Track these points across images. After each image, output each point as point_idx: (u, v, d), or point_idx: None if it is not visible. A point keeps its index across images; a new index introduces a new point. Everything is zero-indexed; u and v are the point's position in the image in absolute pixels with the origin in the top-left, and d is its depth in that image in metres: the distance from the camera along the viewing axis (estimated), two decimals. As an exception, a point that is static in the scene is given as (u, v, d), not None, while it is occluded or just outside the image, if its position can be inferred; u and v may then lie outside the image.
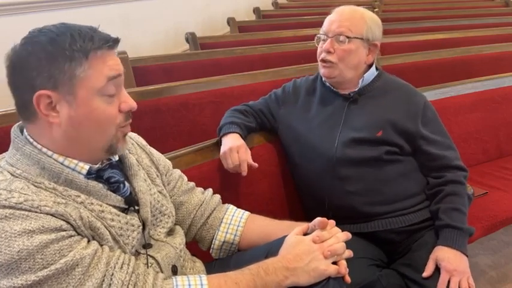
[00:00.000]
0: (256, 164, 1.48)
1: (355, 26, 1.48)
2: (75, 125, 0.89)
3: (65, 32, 0.86)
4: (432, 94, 2.09)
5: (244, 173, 1.47)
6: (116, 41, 0.91)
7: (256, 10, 5.15)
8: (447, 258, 1.31)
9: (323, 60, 1.51)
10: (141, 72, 2.56)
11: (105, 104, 0.90)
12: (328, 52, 1.48)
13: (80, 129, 0.90)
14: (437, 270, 1.33)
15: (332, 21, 1.50)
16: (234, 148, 1.46)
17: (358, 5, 1.60)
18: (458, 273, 1.30)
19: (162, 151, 1.25)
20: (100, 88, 0.88)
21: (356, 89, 1.53)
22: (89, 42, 0.86)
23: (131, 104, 0.94)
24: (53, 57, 0.84)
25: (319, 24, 1.56)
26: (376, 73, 1.57)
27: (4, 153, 0.96)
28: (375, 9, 4.56)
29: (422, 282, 1.32)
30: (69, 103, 0.87)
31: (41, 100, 0.85)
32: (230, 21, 4.28)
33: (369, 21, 1.50)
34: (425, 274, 1.31)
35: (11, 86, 0.89)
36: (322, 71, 1.53)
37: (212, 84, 2.18)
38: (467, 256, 1.35)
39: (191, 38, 3.38)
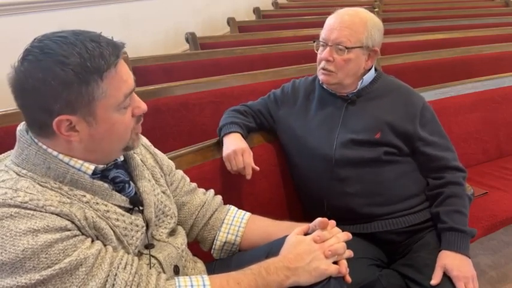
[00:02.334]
0: (258, 168, 1.49)
1: (355, 33, 1.44)
2: (96, 140, 0.90)
3: (72, 51, 0.82)
4: (432, 94, 2.09)
5: (249, 176, 1.47)
6: (123, 47, 0.89)
7: (256, 10, 5.15)
8: (456, 266, 1.31)
9: (322, 68, 1.50)
10: (141, 72, 2.55)
11: (122, 115, 0.91)
12: (328, 61, 1.47)
13: (101, 143, 0.91)
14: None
15: (332, 28, 1.46)
16: (239, 151, 1.46)
17: (359, 5, 1.59)
18: (466, 278, 1.30)
19: (162, 151, 1.25)
20: (118, 105, 0.89)
21: (354, 91, 1.53)
22: (101, 61, 0.84)
23: (143, 108, 0.95)
24: (68, 83, 0.82)
25: (319, 24, 1.55)
26: (374, 74, 1.57)
27: (9, 152, 0.96)
28: (375, 9, 4.56)
29: (423, 283, 1.32)
30: (89, 123, 0.87)
31: (61, 124, 0.85)
32: (230, 21, 4.28)
33: (370, 27, 1.46)
34: (433, 282, 1.30)
35: (22, 109, 0.88)
36: (321, 77, 1.52)
37: (212, 84, 2.18)
38: (470, 258, 1.36)
39: (191, 38, 3.39)
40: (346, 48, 1.44)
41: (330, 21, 1.49)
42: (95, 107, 0.86)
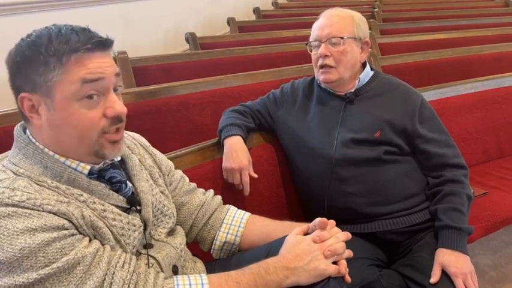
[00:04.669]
0: (256, 175, 1.50)
1: (345, 27, 1.50)
2: (54, 128, 0.89)
3: (46, 34, 0.86)
4: (432, 94, 2.09)
5: (247, 193, 1.50)
6: (105, 43, 0.88)
7: (256, 10, 5.14)
8: (453, 263, 1.31)
9: (321, 66, 1.51)
10: (141, 72, 2.56)
11: (85, 109, 0.87)
12: (325, 56, 1.49)
13: (59, 133, 0.89)
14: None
15: (323, 26, 1.51)
16: (237, 170, 1.47)
17: (359, 5, 1.61)
18: (463, 274, 1.30)
19: (162, 151, 1.25)
20: (75, 92, 0.86)
21: (352, 90, 1.54)
22: (64, 45, 0.85)
23: (118, 109, 0.89)
24: (29, 60, 0.85)
25: (319, 24, 1.57)
26: (371, 74, 1.58)
27: (6, 152, 0.96)
28: (375, 9, 4.55)
29: (423, 283, 1.32)
30: (47, 106, 0.87)
31: (23, 102, 0.88)
32: (230, 21, 4.28)
33: (357, 20, 1.53)
34: (432, 280, 1.30)
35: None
36: (321, 77, 1.53)
37: (212, 84, 2.18)
38: (467, 255, 1.35)
39: (191, 38, 3.38)
40: (341, 38, 1.48)
41: (319, 22, 1.55)
42: (52, 89, 0.86)
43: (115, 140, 0.92)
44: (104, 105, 0.89)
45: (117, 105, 0.90)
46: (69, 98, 0.86)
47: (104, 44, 0.88)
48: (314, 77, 1.63)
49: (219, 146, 1.56)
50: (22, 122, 0.96)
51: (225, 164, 1.50)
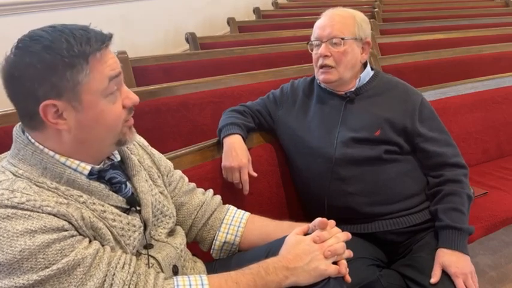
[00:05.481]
0: (255, 174, 1.50)
1: (347, 27, 1.50)
2: (84, 129, 0.89)
3: (59, 37, 0.84)
4: (432, 94, 2.09)
5: (246, 192, 1.49)
6: (111, 38, 0.90)
7: (256, 10, 5.14)
8: (454, 263, 1.31)
9: (321, 66, 1.51)
10: (141, 72, 2.55)
11: (111, 103, 0.90)
12: (325, 56, 1.49)
13: (90, 132, 0.90)
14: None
15: (324, 26, 1.51)
16: (236, 168, 1.47)
17: (359, 5, 1.61)
18: (464, 275, 1.30)
19: (162, 151, 1.25)
20: (103, 89, 0.88)
21: (352, 89, 1.54)
22: (87, 46, 0.85)
23: (134, 98, 0.95)
24: (53, 66, 0.83)
25: (319, 24, 1.57)
26: (372, 73, 1.58)
27: (5, 153, 0.96)
28: (375, 9, 4.55)
29: (423, 283, 1.32)
30: (75, 109, 0.87)
31: (47, 110, 0.85)
32: (230, 21, 4.28)
33: (359, 20, 1.52)
34: (433, 280, 1.30)
35: (11, 98, 0.88)
36: (321, 77, 1.53)
37: (212, 84, 2.18)
38: (468, 255, 1.35)
39: (191, 38, 3.38)
40: (342, 39, 1.47)
41: (320, 22, 1.55)
42: (81, 91, 0.86)
43: (131, 125, 0.97)
44: (120, 97, 0.93)
45: (132, 95, 0.95)
46: (98, 96, 0.88)
47: (110, 39, 0.90)
48: (314, 77, 1.63)
49: (219, 146, 1.56)
50: (21, 122, 0.95)
51: (225, 162, 1.50)
